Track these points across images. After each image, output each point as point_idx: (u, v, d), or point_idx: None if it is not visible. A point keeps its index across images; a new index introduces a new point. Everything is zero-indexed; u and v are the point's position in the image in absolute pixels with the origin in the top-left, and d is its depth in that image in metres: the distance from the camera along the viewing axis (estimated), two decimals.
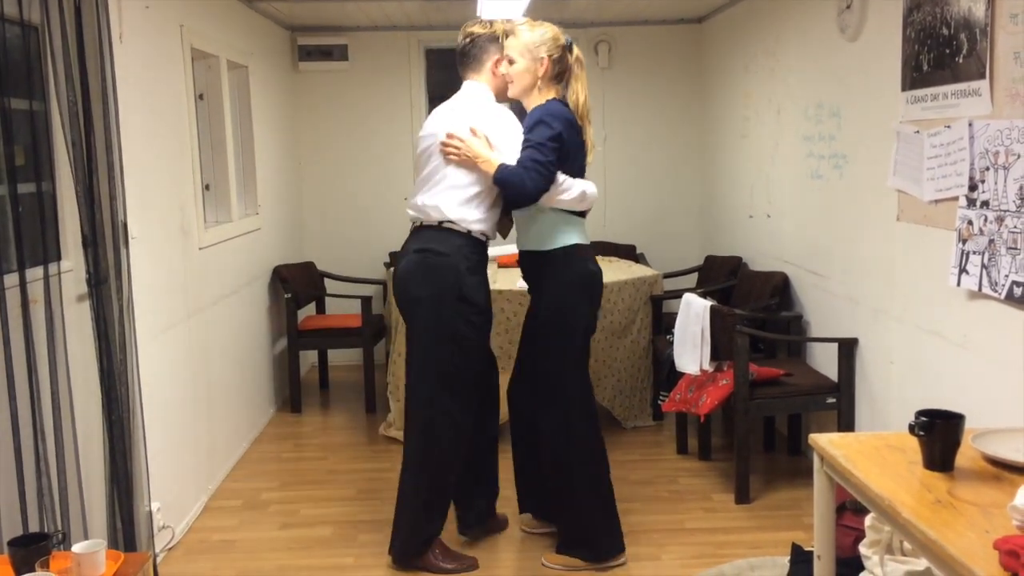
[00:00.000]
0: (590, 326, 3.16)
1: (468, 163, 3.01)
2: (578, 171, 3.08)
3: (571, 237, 3.07)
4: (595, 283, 3.14)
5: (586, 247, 3.14)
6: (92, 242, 2.75)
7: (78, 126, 2.68)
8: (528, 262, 3.16)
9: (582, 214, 3.14)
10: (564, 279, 3.07)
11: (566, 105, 3.05)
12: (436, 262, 3.02)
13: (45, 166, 2.74)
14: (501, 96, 3.16)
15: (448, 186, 3.04)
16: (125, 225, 2.93)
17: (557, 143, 2.93)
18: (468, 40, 3.17)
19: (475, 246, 3.08)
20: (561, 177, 3.00)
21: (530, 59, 3.03)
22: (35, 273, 2.53)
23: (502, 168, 2.94)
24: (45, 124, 2.72)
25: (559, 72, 3.07)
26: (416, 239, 3.10)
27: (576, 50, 3.13)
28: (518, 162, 2.92)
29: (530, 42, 3.03)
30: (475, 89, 3.15)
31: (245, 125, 4.79)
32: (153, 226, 3.35)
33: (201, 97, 4.24)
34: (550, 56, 3.03)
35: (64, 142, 2.66)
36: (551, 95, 3.06)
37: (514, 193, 2.96)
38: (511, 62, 3.05)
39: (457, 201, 3.04)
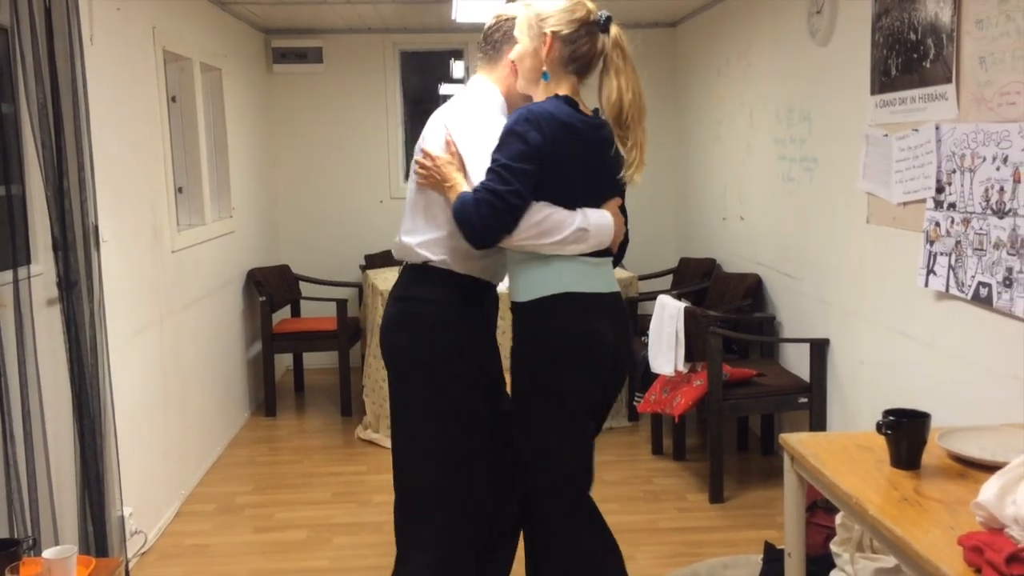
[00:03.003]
0: (585, 399, 2.28)
1: (439, 188, 2.26)
2: (583, 196, 2.22)
3: (559, 283, 2.21)
4: (586, 352, 2.23)
5: (585, 297, 2.22)
6: (63, 245, 2.73)
7: (48, 128, 2.66)
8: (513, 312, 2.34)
9: (601, 252, 2.26)
10: (537, 338, 2.24)
11: (573, 105, 2.22)
12: (421, 311, 2.33)
13: (15, 169, 2.72)
14: (513, 96, 2.36)
15: (431, 216, 2.31)
16: (96, 228, 2.90)
17: (530, 163, 2.11)
18: (492, 25, 2.41)
19: (470, 289, 2.34)
20: (541, 211, 2.15)
21: (532, 36, 2.24)
22: (4, 277, 2.50)
23: (458, 198, 2.16)
24: (15, 126, 2.69)
25: (576, 57, 2.22)
26: (399, 283, 2.42)
27: (615, 31, 2.25)
28: (473, 190, 2.14)
29: (536, 14, 2.23)
30: (476, 84, 2.41)
31: (219, 128, 4.77)
32: (125, 229, 3.33)
33: (174, 99, 4.21)
34: (555, 33, 2.19)
35: (34, 144, 2.63)
36: (563, 90, 2.24)
37: (464, 234, 2.15)
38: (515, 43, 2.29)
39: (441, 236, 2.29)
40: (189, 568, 3.25)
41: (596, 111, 2.29)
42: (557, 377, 2.22)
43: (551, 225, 2.16)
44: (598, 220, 2.22)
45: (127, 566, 3.13)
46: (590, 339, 2.23)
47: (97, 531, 2.87)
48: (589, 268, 2.24)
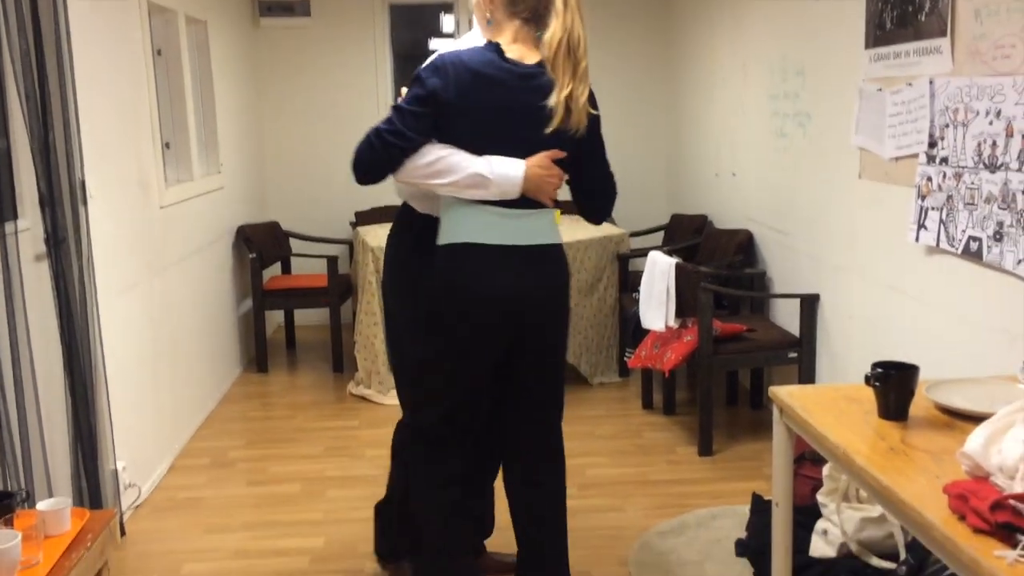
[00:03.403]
0: (431, 357, 2.35)
1: None
2: (497, 144, 2.21)
3: (457, 231, 2.26)
4: (461, 295, 2.26)
5: (481, 249, 2.24)
6: (49, 201, 2.70)
7: (32, 81, 2.62)
8: None
9: (527, 204, 2.25)
10: (429, 285, 2.31)
11: (499, 52, 2.21)
12: (388, 249, 2.55)
13: None
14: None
15: None
16: (83, 183, 2.88)
17: (423, 105, 2.17)
18: None
19: (426, 223, 2.40)
20: (433, 152, 2.20)
21: None
22: None
23: None
24: None
25: (517, 1, 2.23)
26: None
27: None
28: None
29: None
30: (468, 36, 2.44)
31: (205, 82, 4.71)
32: (112, 185, 3.30)
33: (159, 53, 4.15)
34: None
35: (18, 98, 2.60)
36: (504, 36, 2.25)
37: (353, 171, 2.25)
38: None
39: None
40: (184, 520, 3.28)
41: (541, 62, 2.24)
42: (438, 317, 2.30)
43: (444, 167, 2.19)
44: (503, 169, 2.19)
45: (121, 519, 3.15)
46: (471, 282, 2.25)
47: (91, 485, 2.89)
48: (496, 219, 2.24)
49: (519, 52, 2.24)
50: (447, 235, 2.28)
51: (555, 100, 2.19)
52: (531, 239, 2.29)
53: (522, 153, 2.23)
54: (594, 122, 2.30)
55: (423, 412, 2.44)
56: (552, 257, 2.33)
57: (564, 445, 2.52)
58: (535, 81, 2.22)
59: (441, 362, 2.35)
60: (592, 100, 2.28)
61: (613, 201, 2.43)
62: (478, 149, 2.21)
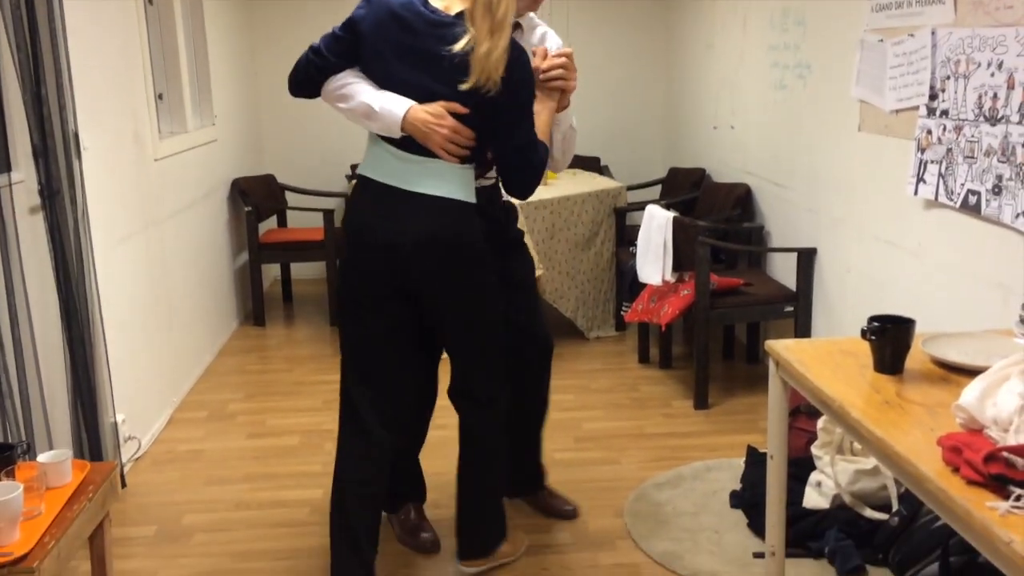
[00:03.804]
0: (345, 292, 2.39)
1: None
2: (399, 85, 2.23)
3: (363, 165, 2.34)
4: (352, 239, 2.33)
5: (374, 186, 2.29)
6: (43, 152, 2.68)
7: (23, 31, 2.58)
8: None
9: (403, 144, 2.25)
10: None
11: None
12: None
13: None
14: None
15: None
16: (76, 135, 2.85)
17: (345, 31, 2.28)
18: None
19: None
20: (343, 77, 2.29)
21: None
22: None
23: None
24: None
25: None
26: None
27: None
28: None
29: None
30: None
31: (198, 32, 4.64)
32: (106, 137, 3.27)
33: (151, 2, 4.08)
34: None
35: (8, 49, 2.56)
36: None
37: None
38: None
39: None
40: (184, 472, 3.31)
41: (462, 12, 2.20)
42: (344, 255, 2.40)
43: (346, 92, 2.29)
44: (390, 105, 2.21)
45: (122, 471, 3.18)
46: (360, 226, 2.31)
47: (91, 437, 2.91)
48: (389, 157, 2.28)
49: (447, 1, 2.23)
50: (360, 168, 2.36)
51: (458, 49, 2.15)
52: (420, 186, 2.25)
53: (424, 99, 2.22)
54: (517, 89, 2.21)
55: (343, 368, 2.44)
56: (443, 211, 2.26)
57: (499, 408, 2.54)
58: (445, 30, 2.19)
59: (347, 309, 2.40)
60: (519, 66, 2.21)
61: (530, 180, 2.32)
62: (387, 88, 2.25)
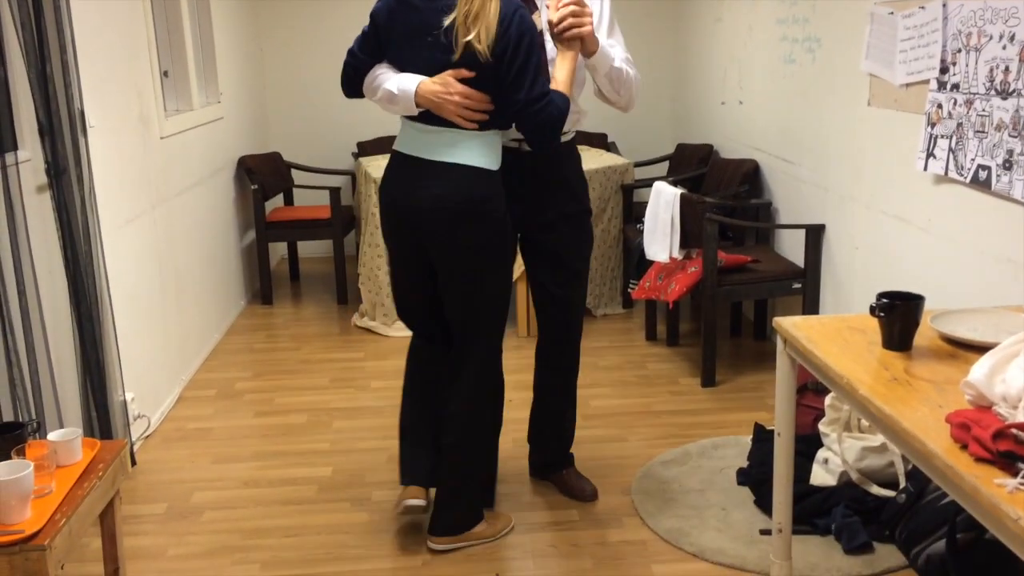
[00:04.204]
0: (391, 245, 2.62)
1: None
2: (411, 65, 2.39)
3: (396, 142, 2.53)
4: (382, 207, 2.55)
5: (400, 158, 2.48)
6: (49, 131, 2.68)
7: (27, 9, 2.56)
8: None
9: (424, 118, 2.40)
10: None
11: None
12: None
13: None
14: None
15: None
16: (82, 113, 2.84)
17: (368, 27, 2.46)
18: None
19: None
20: (374, 71, 2.47)
21: None
22: None
23: None
24: None
25: None
26: None
27: None
28: None
29: None
30: None
31: (203, 8, 4.61)
32: (112, 115, 3.26)
33: None
34: None
35: (13, 26, 2.55)
36: None
37: None
38: None
39: None
40: (193, 450, 3.33)
41: None
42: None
43: (374, 85, 2.46)
44: (404, 85, 2.36)
45: (132, 449, 3.20)
46: (385, 194, 2.52)
47: (100, 416, 2.92)
48: (416, 133, 2.45)
49: None
50: (394, 144, 2.54)
51: (451, 18, 2.27)
52: (437, 155, 2.40)
53: (431, 72, 2.35)
54: (515, 44, 2.28)
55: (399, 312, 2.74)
56: (453, 175, 2.39)
57: (484, 371, 2.61)
58: (441, 2, 2.30)
59: (390, 264, 2.77)
60: (515, 22, 2.28)
61: (545, 133, 2.37)
62: (405, 70, 2.41)
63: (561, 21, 2.35)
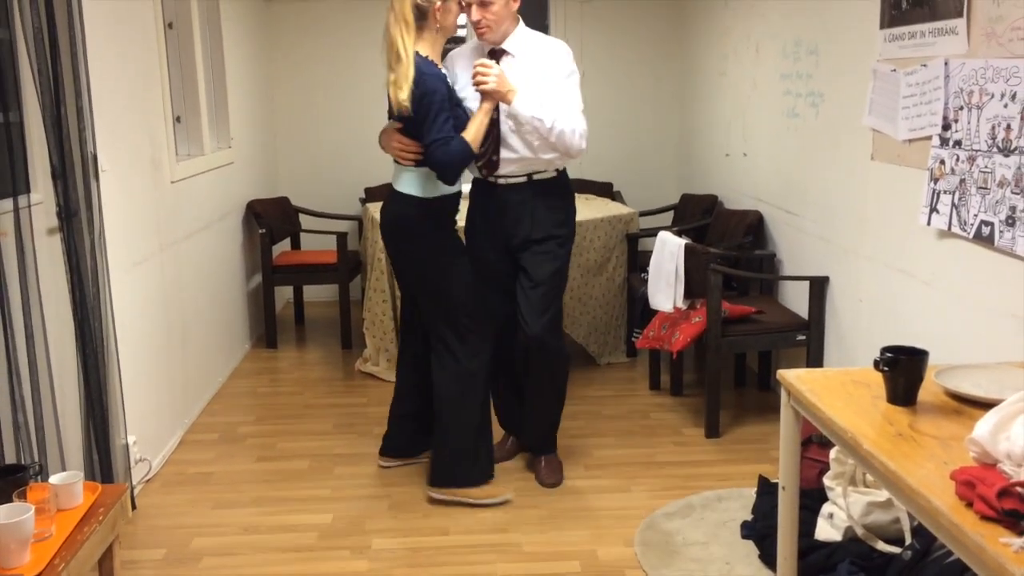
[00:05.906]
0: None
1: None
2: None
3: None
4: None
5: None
6: (61, 174, 2.71)
7: (44, 54, 2.61)
8: None
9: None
10: None
11: (427, 58, 2.99)
12: None
13: (12, 95, 2.67)
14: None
15: None
16: (95, 157, 2.88)
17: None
18: None
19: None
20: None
21: None
22: (4, 205, 2.49)
23: None
24: (11, 52, 2.65)
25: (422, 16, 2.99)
26: None
27: None
28: None
29: None
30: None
31: (216, 55, 4.69)
32: (123, 159, 3.30)
33: (170, 26, 4.14)
34: None
35: (30, 70, 2.59)
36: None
37: None
38: None
39: None
40: (194, 495, 3.31)
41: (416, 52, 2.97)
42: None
43: None
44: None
45: (132, 493, 3.18)
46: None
47: (102, 459, 2.91)
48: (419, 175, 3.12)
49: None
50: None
51: (385, 83, 2.96)
52: (393, 183, 3.16)
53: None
54: (419, 101, 2.90)
55: None
56: (394, 201, 3.14)
57: (454, 358, 3.15)
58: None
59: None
60: (419, 83, 2.88)
61: (443, 170, 2.96)
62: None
63: (474, 76, 2.98)
